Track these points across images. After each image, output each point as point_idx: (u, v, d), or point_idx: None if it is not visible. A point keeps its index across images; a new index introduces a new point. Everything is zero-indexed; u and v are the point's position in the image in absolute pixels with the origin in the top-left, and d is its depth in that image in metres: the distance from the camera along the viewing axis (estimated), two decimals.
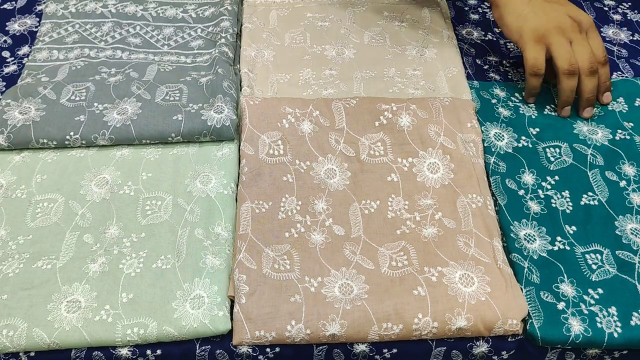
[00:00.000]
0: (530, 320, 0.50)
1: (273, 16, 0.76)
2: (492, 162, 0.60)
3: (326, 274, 0.52)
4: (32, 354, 0.48)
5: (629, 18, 0.79)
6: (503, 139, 0.62)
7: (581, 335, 0.49)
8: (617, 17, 0.80)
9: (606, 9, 0.81)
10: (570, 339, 0.49)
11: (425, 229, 0.55)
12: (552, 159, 0.61)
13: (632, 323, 0.49)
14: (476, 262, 0.52)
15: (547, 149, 0.62)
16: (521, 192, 0.58)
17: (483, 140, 0.62)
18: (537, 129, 0.64)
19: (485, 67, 0.73)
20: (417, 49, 0.73)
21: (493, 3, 0.67)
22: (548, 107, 0.66)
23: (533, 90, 0.65)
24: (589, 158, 0.61)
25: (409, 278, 0.51)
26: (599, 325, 0.49)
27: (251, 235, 0.53)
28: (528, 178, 0.59)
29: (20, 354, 0.48)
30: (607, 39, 0.76)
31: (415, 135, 0.61)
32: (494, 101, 0.67)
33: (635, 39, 0.76)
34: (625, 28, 0.78)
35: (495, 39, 0.76)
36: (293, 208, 0.56)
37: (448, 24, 0.77)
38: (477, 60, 0.73)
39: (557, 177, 0.59)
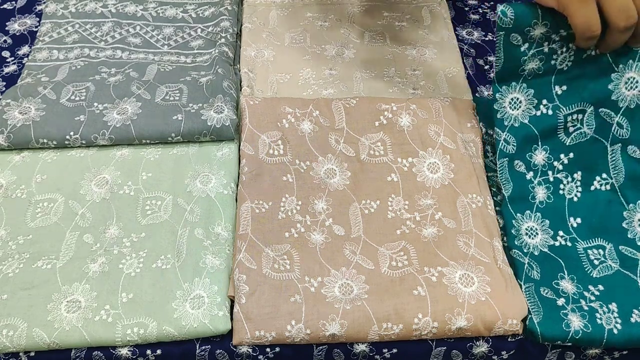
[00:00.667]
0: (530, 316, 0.50)
1: (273, 16, 0.76)
2: (502, 139, 0.56)
3: (326, 274, 0.52)
4: (32, 354, 0.48)
5: None
6: (520, 106, 0.56)
7: (581, 331, 0.49)
8: None
9: None
10: (570, 334, 0.49)
11: (425, 229, 0.55)
12: (571, 129, 0.55)
13: (632, 320, 0.49)
14: (476, 262, 0.52)
15: (569, 117, 0.55)
16: (529, 175, 0.56)
17: (495, 112, 0.57)
18: (564, 87, 0.56)
19: (486, 67, 0.73)
20: (417, 49, 0.73)
21: None
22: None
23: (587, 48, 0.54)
24: (613, 128, 0.55)
25: (409, 278, 0.51)
26: (598, 321, 0.49)
27: (251, 235, 0.53)
28: (539, 157, 0.56)
29: (20, 354, 0.48)
30: None
31: (415, 135, 0.61)
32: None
33: None
34: None
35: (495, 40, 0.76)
36: (293, 208, 0.56)
37: (448, 24, 0.77)
38: (477, 60, 0.73)
39: (571, 155, 0.56)
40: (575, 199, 0.56)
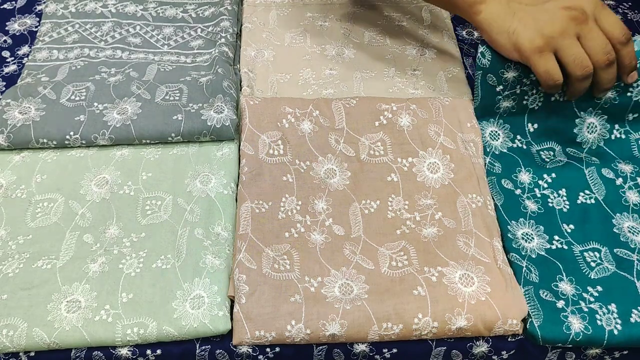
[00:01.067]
0: (530, 320, 0.50)
1: (273, 16, 0.76)
2: (487, 162, 0.60)
3: (326, 273, 0.52)
4: (32, 353, 0.48)
5: (629, 18, 0.79)
6: (498, 138, 0.62)
7: (581, 333, 0.49)
8: None
9: None
10: (571, 337, 0.49)
11: (425, 228, 0.55)
12: (547, 159, 0.61)
13: (632, 320, 0.49)
14: (476, 262, 0.52)
15: (542, 152, 0.61)
16: (518, 192, 0.58)
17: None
18: (536, 124, 0.61)
19: None
20: (417, 49, 0.73)
21: (479, 27, 0.59)
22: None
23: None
24: (584, 158, 0.61)
25: (409, 278, 0.51)
26: (599, 322, 0.49)
27: (251, 235, 0.53)
28: (525, 177, 0.59)
29: (20, 353, 0.48)
30: None
31: (415, 135, 0.61)
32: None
33: (635, 39, 0.76)
34: None
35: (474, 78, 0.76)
36: (293, 208, 0.56)
37: (448, 24, 0.77)
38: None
39: (554, 175, 0.59)
40: (565, 210, 0.57)
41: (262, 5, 0.78)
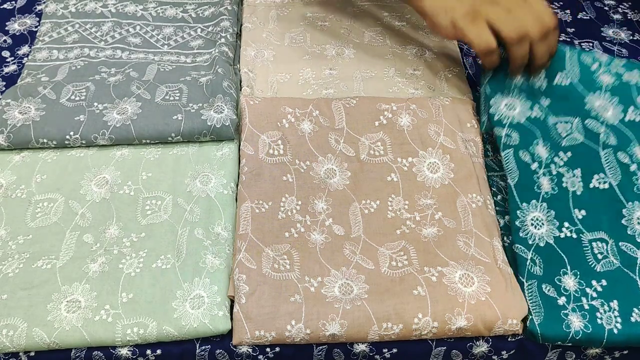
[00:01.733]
0: (531, 317, 0.50)
1: (273, 16, 0.76)
2: (504, 134, 0.58)
3: (326, 273, 0.52)
4: (32, 353, 0.48)
5: (629, 18, 0.79)
6: (515, 108, 0.60)
7: (581, 332, 0.49)
8: (617, 16, 0.80)
9: (606, 8, 0.81)
10: (570, 335, 0.49)
11: (425, 228, 0.55)
12: (563, 133, 0.59)
13: (632, 319, 0.49)
14: (476, 262, 0.52)
15: (558, 124, 0.59)
16: (534, 166, 0.57)
17: (492, 115, 0.61)
18: (549, 99, 0.61)
19: None
20: (417, 49, 0.73)
21: (423, 14, 0.61)
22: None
23: (495, 66, 0.60)
24: (601, 137, 0.58)
25: (409, 278, 0.51)
26: (599, 321, 0.49)
27: (251, 235, 0.53)
28: (542, 150, 0.58)
29: (20, 353, 0.48)
30: (607, 38, 0.76)
31: (415, 134, 0.61)
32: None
33: (635, 38, 0.76)
34: (625, 28, 0.78)
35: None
36: (293, 208, 0.56)
37: None
38: (478, 60, 0.73)
39: (569, 154, 0.58)
40: (579, 192, 0.56)
41: (262, 5, 0.78)
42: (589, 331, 0.49)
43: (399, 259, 0.53)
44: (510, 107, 0.60)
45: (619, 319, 0.49)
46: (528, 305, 0.50)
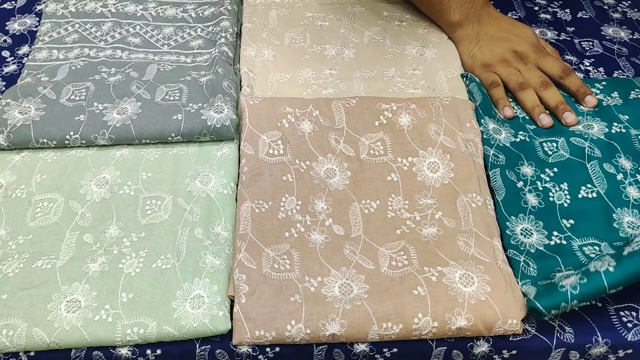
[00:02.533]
0: (527, 298, 0.50)
1: (273, 16, 0.76)
2: (491, 154, 0.61)
3: (326, 273, 0.52)
4: (32, 353, 0.48)
5: (628, 16, 0.79)
6: (501, 133, 0.63)
7: (578, 285, 0.48)
8: (616, 15, 0.79)
9: (606, 7, 0.81)
10: (569, 292, 0.48)
11: (425, 228, 0.55)
12: (550, 152, 0.61)
13: (625, 253, 0.48)
14: (476, 262, 0.52)
15: (544, 144, 0.62)
16: (520, 184, 0.59)
17: (482, 132, 0.62)
18: (534, 126, 0.64)
19: None
20: (417, 49, 0.73)
21: (452, 39, 0.74)
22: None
23: (502, 100, 0.66)
24: (586, 150, 0.61)
25: (408, 278, 0.51)
26: (592, 269, 0.48)
27: (251, 235, 0.53)
28: (527, 170, 0.60)
29: (20, 353, 0.48)
30: (607, 37, 0.76)
31: (415, 134, 0.61)
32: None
33: (635, 37, 0.76)
34: (625, 26, 0.78)
35: None
36: (293, 208, 0.56)
37: None
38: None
39: (555, 169, 0.60)
40: (565, 204, 0.57)
41: (262, 5, 0.78)
42: (584, 281, 0.48)
43: (399, 258, 0.53)
44: (496, 132, 0.63)
45: (611, 262, 0.48)
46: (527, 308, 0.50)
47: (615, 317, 0.51)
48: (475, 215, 0.56)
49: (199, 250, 0.53)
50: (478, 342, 0.50)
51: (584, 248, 0.54)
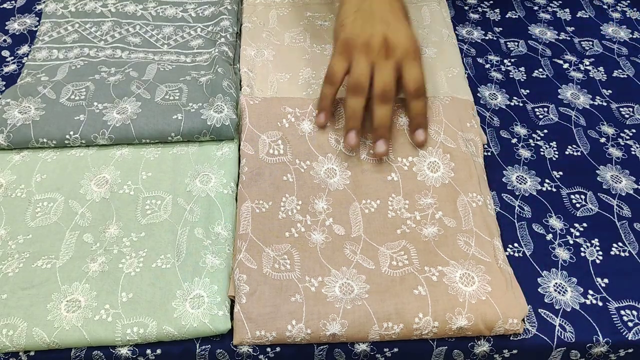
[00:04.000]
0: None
1: (273, 15, 0.76)
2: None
3: (326, 273, 0.51)
4: (32, 353, 0.48)
5: (627, 16, 0.79)
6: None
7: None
8: (616, 15, 0.80)
9: (605, 7, 0.81)
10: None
11: (425, 228, 0.55)
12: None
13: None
14: (477, 262, 0.52)
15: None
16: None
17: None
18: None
19: (487, 66, 0.73)
20: None
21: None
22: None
23: (324, 99, 0.61)
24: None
25: (409, 277, 0.51)
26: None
27: (251, 235, 0.53)
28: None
29: (20, 353, 0.48)
30: (606, 37, 0.76)
31: None
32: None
33: (634, 36, 0.76)
34: (624, 26, 0.78)
35: (495, 39, 0.76)
36: (293, 208, 0.56)
37: (448, 24, 0.76)
38: (478, 60, 0.73)
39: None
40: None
41: (262, 4, 0.78)
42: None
43: (399, 258, 0.53)
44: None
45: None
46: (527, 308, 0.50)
47: (616, 316, 0.51)
48: (475, 215, 0.55)
49: (199, 250, 0.53)
50: (479, 342, 0.50)
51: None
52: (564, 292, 0.53)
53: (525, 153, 0.63)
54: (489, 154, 0.63)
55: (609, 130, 0.65)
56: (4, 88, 0.68)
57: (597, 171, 0.62)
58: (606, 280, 0.53)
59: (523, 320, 0.50)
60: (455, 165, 0.59)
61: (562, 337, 0.50)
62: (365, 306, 0.49)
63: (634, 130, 0.66)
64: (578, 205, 0.59)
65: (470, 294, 0.50)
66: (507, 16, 0.79)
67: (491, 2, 0.81)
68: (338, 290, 0.50)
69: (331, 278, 0.51)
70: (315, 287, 0.51)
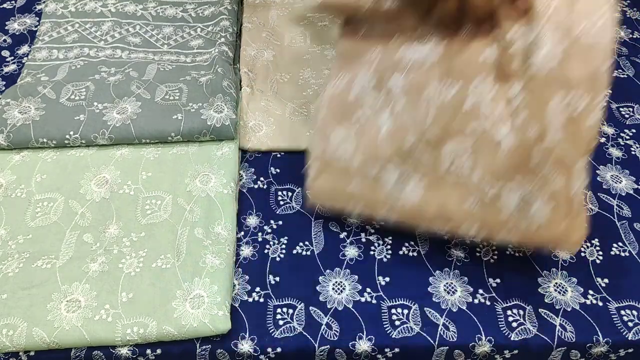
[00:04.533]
0: None
1: (273, 16, 0.76)
2: None
3: (384, 165, 0.51)
4: (32, 353, 0.48)
5: (627, 16, 0.79)
6: None
7: None
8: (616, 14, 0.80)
9: None
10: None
11: (499, 130, 0.46)
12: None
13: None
14: (544, 182, 0.46)
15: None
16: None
17: None
18: None
19: None
20: None
21: None
22: None
23: None
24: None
25: (462, 187, 0.49)
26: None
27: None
28: None
29: (20, 353, 0.48)
30: None
31: None
32: None
33: (634, 36, 0.76)
34: (624, 26, 0.78)
35: None
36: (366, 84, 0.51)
37: None
38: None
39: None
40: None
41: (262, 5, 0.78)
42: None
43: (458, 162, 0.49)
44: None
45: None
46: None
47: (616, 316, 0.51)
48: (565, 126, 0.44)
49: (198, 250, 0.53)
50: (480, 342, 0.50)
51: None
52: (564, 292, 0.53)
53: None
54: None
55: (609, 130, 0.65)
56: (4, 88, 0.68)
57: (597, 171, 0.62)
58: (606, 280, 0.53)
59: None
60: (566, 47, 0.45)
61: (563, 337, 0.50)
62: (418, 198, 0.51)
63: (633, 130, 0.66)
64: None
65: (530, 216, 0.47)
66: None
67: None
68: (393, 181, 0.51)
69: (388, 169, 0.52)
70: (373, 177, 0.51)
